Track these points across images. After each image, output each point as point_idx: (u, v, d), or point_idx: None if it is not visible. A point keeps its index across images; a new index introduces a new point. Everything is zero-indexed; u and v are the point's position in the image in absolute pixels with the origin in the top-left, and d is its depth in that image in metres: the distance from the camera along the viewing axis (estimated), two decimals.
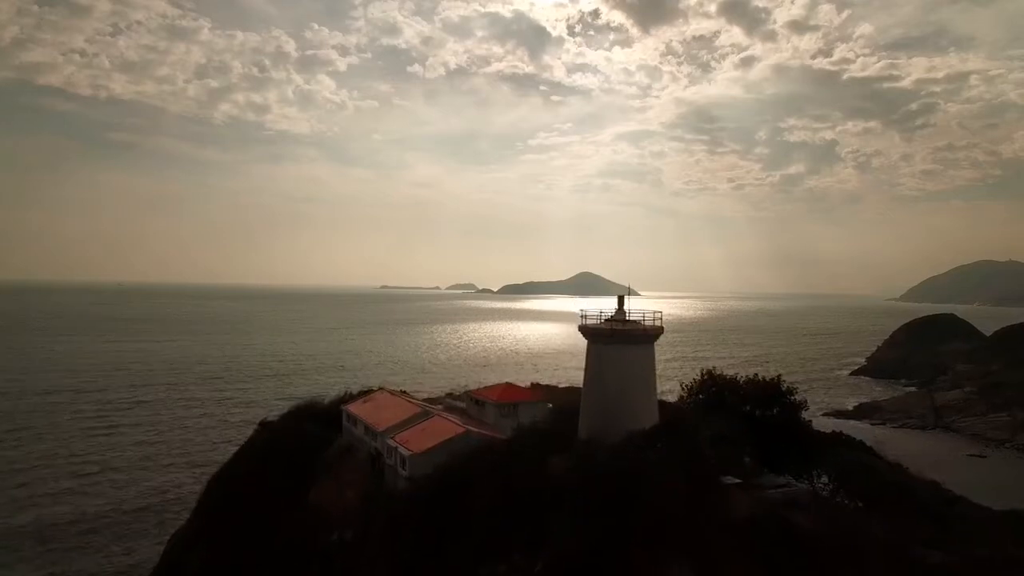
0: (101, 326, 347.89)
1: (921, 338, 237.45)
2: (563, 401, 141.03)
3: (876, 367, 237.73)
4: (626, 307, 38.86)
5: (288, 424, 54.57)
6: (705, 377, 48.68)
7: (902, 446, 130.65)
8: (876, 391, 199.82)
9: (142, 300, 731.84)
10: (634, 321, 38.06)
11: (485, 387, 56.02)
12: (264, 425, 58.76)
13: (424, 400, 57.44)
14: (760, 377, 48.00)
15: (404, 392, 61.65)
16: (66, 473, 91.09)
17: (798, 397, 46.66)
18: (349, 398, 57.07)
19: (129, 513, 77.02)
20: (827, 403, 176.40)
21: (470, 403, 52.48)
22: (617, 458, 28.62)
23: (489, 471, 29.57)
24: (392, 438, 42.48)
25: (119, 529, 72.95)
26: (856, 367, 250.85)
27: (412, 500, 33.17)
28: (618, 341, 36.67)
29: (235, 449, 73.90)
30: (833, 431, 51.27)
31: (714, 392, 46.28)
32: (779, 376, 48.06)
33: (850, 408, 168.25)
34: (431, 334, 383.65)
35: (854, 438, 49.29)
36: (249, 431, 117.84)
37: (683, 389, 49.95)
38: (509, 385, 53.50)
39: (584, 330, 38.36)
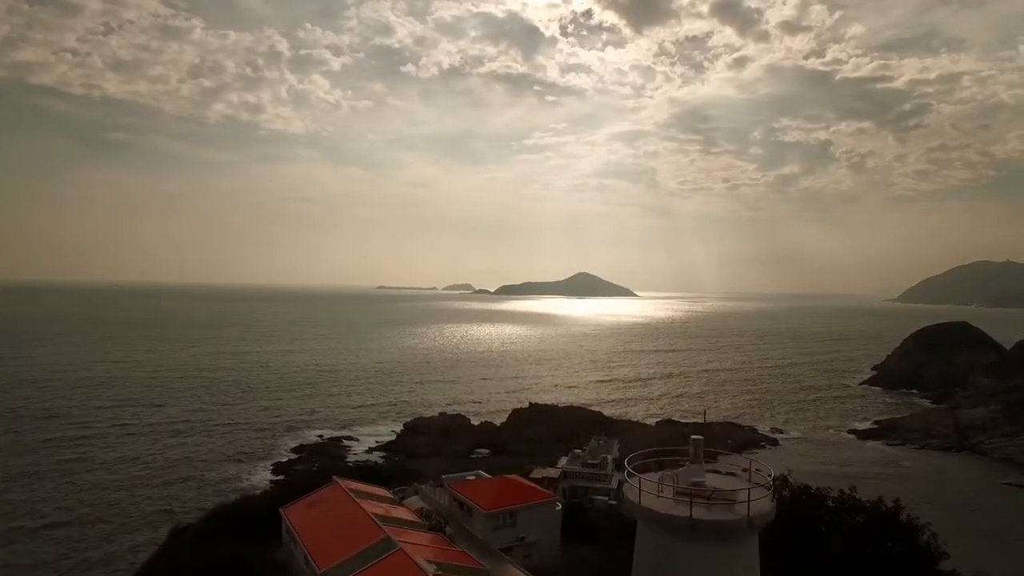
0: (87, 331, 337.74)
1: (933, 347, 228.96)
2: (565, 424, 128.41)
3: (887, 377, 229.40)
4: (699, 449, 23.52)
5: (204, 542, 41.44)
6: (783, 491, 34.89)
7: (929, 471, 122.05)
8: (890, 405, 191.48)
9: (134, 302, 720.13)
10: (725, 491, 21.87)
11: (472, 479, 41.74)
12: (175, 537, 46.13)
13: (391, 492, 43.50)
14: (862, 497, 35.10)
15: (365, 482, 48.16)
16: (14, 528, 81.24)
17: (927, 535, 34.04)
18: (295, 480, 45.58)
19: None
20: (842, 421, 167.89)
21: (453, 505, 39.12)
22: None
23: None
24: None
25: None
26: (866, 377, 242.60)
27: None
28: (704, 537, 20.75)
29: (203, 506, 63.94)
30: None
31: (801, 515, 33.17)
32: (897, 501, 35.66)
33: (867, 426, 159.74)
34: (424, 339, 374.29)
35: None
36: (223, 472, 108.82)
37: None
38: (505, 482, 39.93)
39: (638, 510, 22.03)
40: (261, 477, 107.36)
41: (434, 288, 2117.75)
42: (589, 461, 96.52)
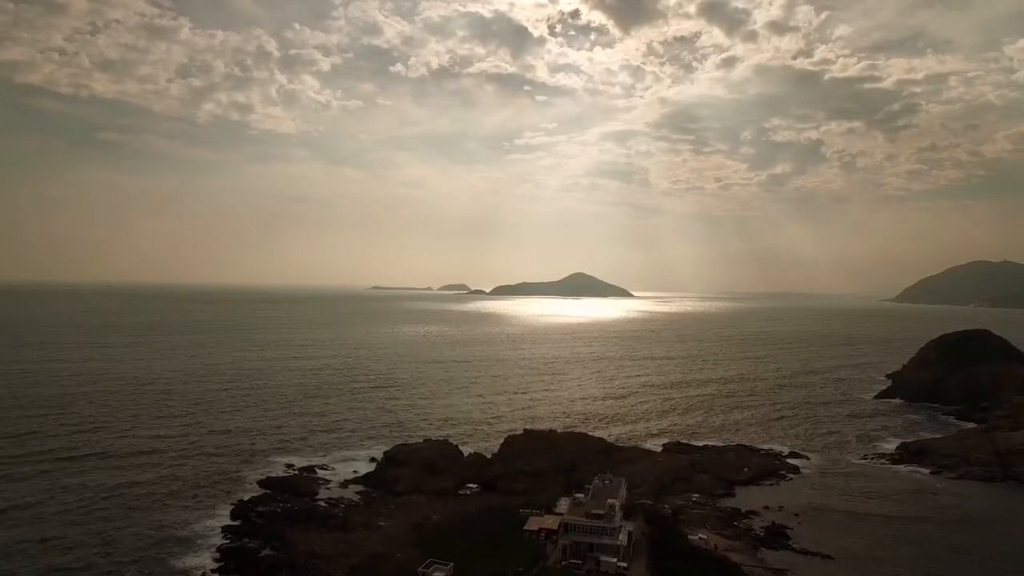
0: (71, 337, 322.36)
1: (954, 357, 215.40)
2: (564, 453, 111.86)
3: (905, 389, 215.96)
4: None
5: None
6: None
7: (973, 506, 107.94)
8: (914, 422, 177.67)
9: (124, 305, 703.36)
10: None
11: None
12: None
13: None
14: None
15: None
16: None
17: None
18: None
19: None
20: (865, 441, 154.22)
21: None
22: None
23: None
24: None
25: None
26: (881, 388, 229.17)
27: None
28: None
29: None
30: None
31: None
32: None
33: (892, 449, 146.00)
34: (416, 347, 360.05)
35: None
36: (175, 520, 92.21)
37: None
38: None
39: None
40: (217, 523, 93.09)
41: (429, 288, 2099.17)
42: (593, 511, 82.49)
